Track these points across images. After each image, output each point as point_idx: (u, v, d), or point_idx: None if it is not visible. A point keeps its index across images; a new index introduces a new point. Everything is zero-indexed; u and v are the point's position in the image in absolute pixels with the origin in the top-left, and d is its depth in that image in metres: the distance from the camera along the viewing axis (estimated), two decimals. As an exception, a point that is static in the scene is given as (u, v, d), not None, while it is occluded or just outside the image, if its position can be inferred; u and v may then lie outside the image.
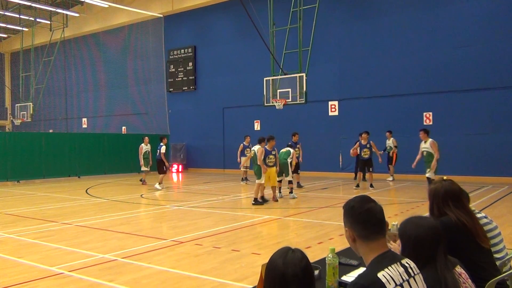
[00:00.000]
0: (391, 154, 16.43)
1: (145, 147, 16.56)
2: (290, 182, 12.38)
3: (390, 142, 16.47)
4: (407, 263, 2.03)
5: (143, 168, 16.75)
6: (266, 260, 1.87)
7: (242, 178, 16.77)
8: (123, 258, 5.96)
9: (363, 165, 14.33)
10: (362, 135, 14.17)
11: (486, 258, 2.83)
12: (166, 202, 12.25)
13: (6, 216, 9.72)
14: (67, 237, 7.41)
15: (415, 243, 2.27)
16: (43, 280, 5.05)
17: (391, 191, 13.89)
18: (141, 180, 17.16)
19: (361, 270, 2.90)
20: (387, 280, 1.89)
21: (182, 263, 5.73)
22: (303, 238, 7.31)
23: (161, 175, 15.33)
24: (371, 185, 13.98)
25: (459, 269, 2.35)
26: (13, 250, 6.54)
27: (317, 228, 8.23)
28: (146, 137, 17.07)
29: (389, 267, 1.95)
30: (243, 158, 16.45)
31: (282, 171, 12.33)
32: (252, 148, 12.59)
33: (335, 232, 7.58)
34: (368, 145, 14.09)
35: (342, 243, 6.24)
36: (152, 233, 7.64)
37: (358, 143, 14.39)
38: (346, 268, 2.91)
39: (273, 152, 11.54)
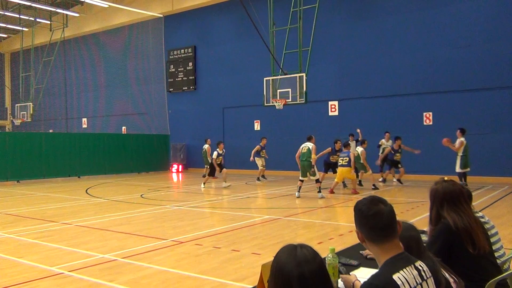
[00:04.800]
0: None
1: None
2: (317, 181, 12.25)
3: (389, 143, 15.87)
4: (420, 266, 2.01)
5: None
6: (266, 260, 1.85)
7: (259, 178, 17.18)
8: (123, 258, 5.96)
9: (393, 164, 14.98)
10: (396, 141, 14.85)
11: (486, 260, 2.82)
12: (166, 202, 12.24)
13: (6, 216, 9.72)
14: (67, 237, 7.40)
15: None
16: (43, 280, 5.05)
17: (391, 191, 13.87)
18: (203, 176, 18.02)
19: (361, 270, 2.90)
20: (402, 283, 1.88)
21: (182, 263, 5.72)
22: (303, 238, 7.31)
23: (208, 177, 15.67)
24: (399, 181, 15.10)
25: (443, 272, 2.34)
26: (13, 250, 6.53)
27: (317, 228, 8.23)
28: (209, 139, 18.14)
29: (404, 270, 1.93)
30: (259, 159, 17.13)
31: (306, 172, 12.17)
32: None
33: (335, 232, 7.58)
34: (400, 150, 14.83)
35: (342, 243, 6.24)
36: (152, 233, 7.63)
37: (390, 148, 14.96)
38: (346, 268, 2.91)
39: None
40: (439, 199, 2.93)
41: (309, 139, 12.57)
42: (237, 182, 17.14)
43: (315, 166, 12.13)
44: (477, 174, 15.82)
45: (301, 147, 12.43)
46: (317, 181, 12.26)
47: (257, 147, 17.10)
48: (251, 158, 17.11)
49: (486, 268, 2.78)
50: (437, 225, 2.90)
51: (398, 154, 14.80)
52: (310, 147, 12.23)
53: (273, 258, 1.72)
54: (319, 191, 12.13)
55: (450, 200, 2.90)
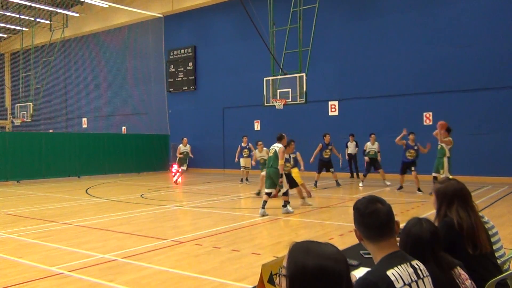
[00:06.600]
0: (379, 158, 14.99)
1: (183, 148, 17.18)
2: (284, 194, 9.64)
3: (374, 146, 14.91)
4: (416, 264, 2.03)
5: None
6: (266, 260, 1.85)
7: (241, 179, 16.92)
8: (123, 258, 5.96)
9: (406, 167, 13.04)
10: (409, 136, 12.83)
11: (486, 260, 2.82)
12: (166, 202, 12.24)
13: (6, 216, 9.72)
14: (67, 237, 7.40)
15: (414, 241, 2.31)
16: (43, 280, 5.05)
17: (391, 191, 13.87)
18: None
19: (361, 270, 2.90)
20: (396, 279, 1.90)
21: (182, 263, 5.72)
22: (303, 238, 7.28)
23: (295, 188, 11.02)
24: (419, 189, 12.59)
25: (458, 270, 2.36)
26: (13, 250, 6.53)
27: (317, 228, 8.24)
28: (185, 138, 17.70)
29: (399, 266, 1.96)
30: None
31: (273, 181, 9.55)
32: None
33: (335, 232, 7.58)
34: (415, 147, 12.85)
35: (342, 243, 6.24)
36: (152, 233, 7.63)
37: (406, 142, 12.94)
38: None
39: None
40: (448, 197, 2.92)
41: (279, 139, 9.85)
42: (237, 182, 17.12)
43: (283, 176, 9.51)
44: (477, 174, 15.83)
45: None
46: (285, 194, 9.60)
47: (238, 147, 16.82)
48: (236, 159, 16.87)
49: (486, 268, 2.77)
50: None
51: (412, 151, 12.80)
52: (277, 150, 9.55)
53: (291, 254, 1.52)
54: (284, 205, 9.57)
55: (461, 199, 2.90)
